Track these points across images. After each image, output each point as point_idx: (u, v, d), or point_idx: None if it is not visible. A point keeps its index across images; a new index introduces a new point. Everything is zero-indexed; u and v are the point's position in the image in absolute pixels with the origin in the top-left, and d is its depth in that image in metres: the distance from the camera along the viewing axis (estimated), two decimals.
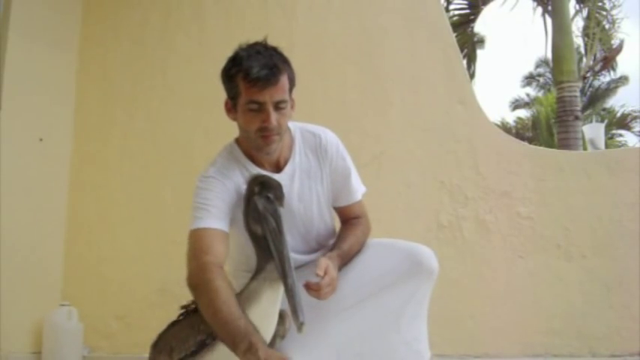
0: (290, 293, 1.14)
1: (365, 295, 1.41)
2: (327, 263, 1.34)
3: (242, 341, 1.13)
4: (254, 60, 1.36)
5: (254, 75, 1.33)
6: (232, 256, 1.62)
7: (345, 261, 1.44)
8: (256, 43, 1.41)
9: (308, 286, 1.31)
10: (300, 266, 1.50)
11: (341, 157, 1.53)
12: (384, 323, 1.40)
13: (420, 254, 1.41)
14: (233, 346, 1.15)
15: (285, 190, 1.39)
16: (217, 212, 1.36)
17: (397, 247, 1.46)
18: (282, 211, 1.32)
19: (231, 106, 1.43)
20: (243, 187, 1.38)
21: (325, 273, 1.31)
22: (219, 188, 1.40)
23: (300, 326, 1.11)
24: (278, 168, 1.49)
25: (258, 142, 1.40)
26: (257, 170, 1.45)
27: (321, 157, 1.51)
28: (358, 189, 1.58)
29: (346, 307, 1.41)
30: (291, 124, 1.51)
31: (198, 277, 1.24)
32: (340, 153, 1.54)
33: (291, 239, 1.47)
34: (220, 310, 1.17)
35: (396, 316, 1.40)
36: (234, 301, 1.19)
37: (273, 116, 1.36)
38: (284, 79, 1.38)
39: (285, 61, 1.41)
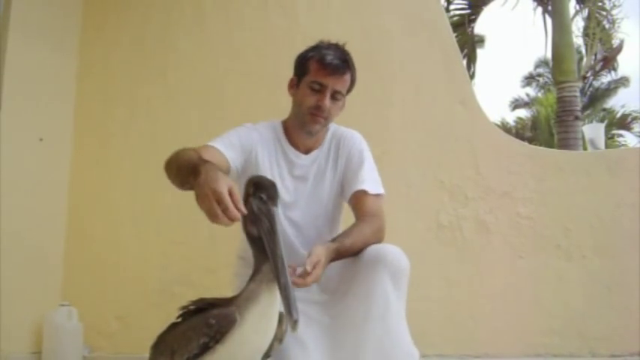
0: (284, 292, 1.14)
1: (343, 293, 1.45)
2: (318, 259, 1.32)
3: (193, 172, 1.21)
4: (331, 51, 1.58)
5: (327, 60, 1.54)
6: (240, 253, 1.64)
7: (342, 257, 1.43)
8: (336, 44, 1.62)
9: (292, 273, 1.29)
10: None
11: (358, 149, 1.65)
12: (372, 326, 1.38)
13: (384, 251, 1.42)
14: (192, 180, 1.21)
15: (304, 169, 1.62)
16: (229, 144, 1.54)
17: (369, 249, 1.45)
18: (295, 190, 1.57)
19: (295, 83, 1.63)
20: (268, 149, 1.60)
21: (314, 267, 1.30)
22: (244, 133, 1.60)
23: (293, 324, 1.12)
24: (307, 152, 1.65)
25: (306, 118, 1.57)
26: (289, 148, 1.63)
27: (341, 148, 1.65)
28: (368, 180, 1.59)
29: (330, 310, 1.46)
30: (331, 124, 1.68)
31: (174, 153, 1.42)
32: (359, 146, 1.67)
33: (302, 215, 1.60)
34: (181, 157, 1.35)
35: (381, 318, 1.38)
36: (193, 152, 1.34)
37: (328, 100, 1.55)
38: (348, 77, 1.59)
39: (354, 66, 1.61)
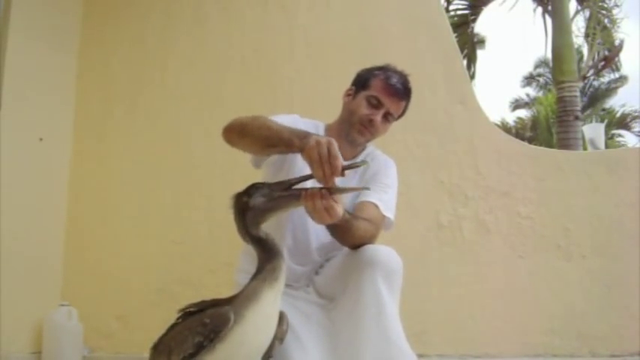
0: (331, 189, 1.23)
1: (339, 296, 1.46)
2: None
3: (298, 135, 1.30)
4: (397, 76, 1.65)
5: (391, 82, 1.62)
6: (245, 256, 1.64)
7: (343, 229, 1.42)
8: (402, 71, 1.69)
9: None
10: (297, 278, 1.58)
11: (387, 174, 1.69)
12: (367, 327, 1.38)
13: (377, 252, 1.42)
14: (290, 141, 1.31)
15: None
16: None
17: (362, 250, 1.45)
18: None
19: (352, 93, 1.69)
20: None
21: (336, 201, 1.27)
22: (293, 123, 1.56)
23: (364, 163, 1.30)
24: None
25: (354, 127, 1.63)
26: None
27: (371, 166, 1.67)
28: (384, 202, 1.60)
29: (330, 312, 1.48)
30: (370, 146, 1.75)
31: (247, 117, 1.43)
32: (389, 171, 1.72)
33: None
34: (274, 123, 1.39)
35: (376, 319, 1.38)
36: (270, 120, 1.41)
37: (380, 118, 1.62)
38: (404, 104, 1.67)
39: (410, 98, 1.68)
